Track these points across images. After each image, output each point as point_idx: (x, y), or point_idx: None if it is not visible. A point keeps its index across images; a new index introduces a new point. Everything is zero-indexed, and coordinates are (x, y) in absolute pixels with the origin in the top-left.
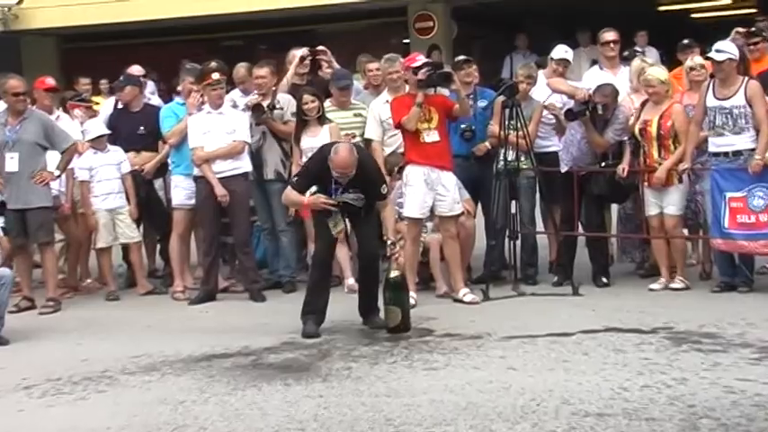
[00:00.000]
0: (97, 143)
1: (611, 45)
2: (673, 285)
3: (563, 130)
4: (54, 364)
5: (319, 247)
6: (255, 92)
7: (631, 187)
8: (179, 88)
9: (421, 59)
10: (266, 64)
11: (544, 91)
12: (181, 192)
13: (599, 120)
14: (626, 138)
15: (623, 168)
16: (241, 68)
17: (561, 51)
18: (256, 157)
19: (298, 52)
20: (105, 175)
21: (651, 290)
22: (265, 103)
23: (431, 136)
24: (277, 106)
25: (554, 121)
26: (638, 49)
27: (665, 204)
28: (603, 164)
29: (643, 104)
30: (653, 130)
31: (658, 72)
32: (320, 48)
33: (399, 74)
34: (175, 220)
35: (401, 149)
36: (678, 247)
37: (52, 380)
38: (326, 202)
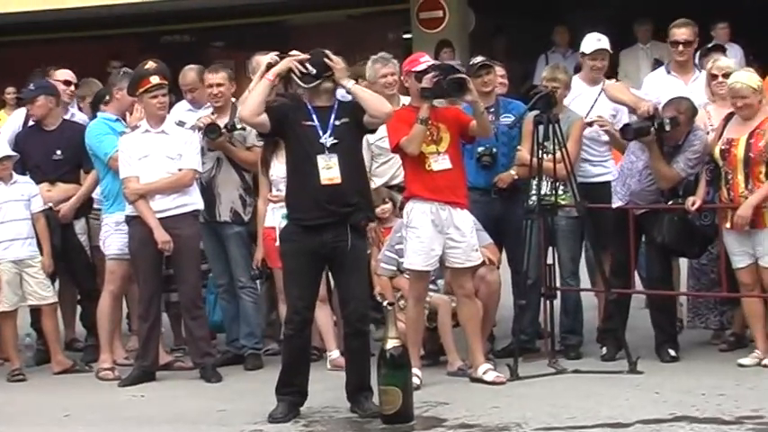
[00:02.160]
0: None
1: (681, 48)
2: (766, 361)
3: (621, 149)
4: None
5: (293, 306)
6: (209, 105)
7: (709, 234)
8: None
9: (426, 61)
10: (222, 68)
11: (583, 102)
12: (118, 238)
13: (667, 143)
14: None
15: (693, 202)
16: (190, 72)
17: (593, 41)
18: (207, 192)
19: (264, 58)
20: (10, 215)
21: (740, 366)
22: (222, 123)
23: (440, 162)
24: (238, 126)
25: (606, 138)
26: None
27: (761, 254)
28: (671, 202)
29: (727, 119)
30: (739, 152)
31: (748, 77)
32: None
33: (395, 78)
34: (110, 272)
35: (396, 180)
36: None
37: None
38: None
